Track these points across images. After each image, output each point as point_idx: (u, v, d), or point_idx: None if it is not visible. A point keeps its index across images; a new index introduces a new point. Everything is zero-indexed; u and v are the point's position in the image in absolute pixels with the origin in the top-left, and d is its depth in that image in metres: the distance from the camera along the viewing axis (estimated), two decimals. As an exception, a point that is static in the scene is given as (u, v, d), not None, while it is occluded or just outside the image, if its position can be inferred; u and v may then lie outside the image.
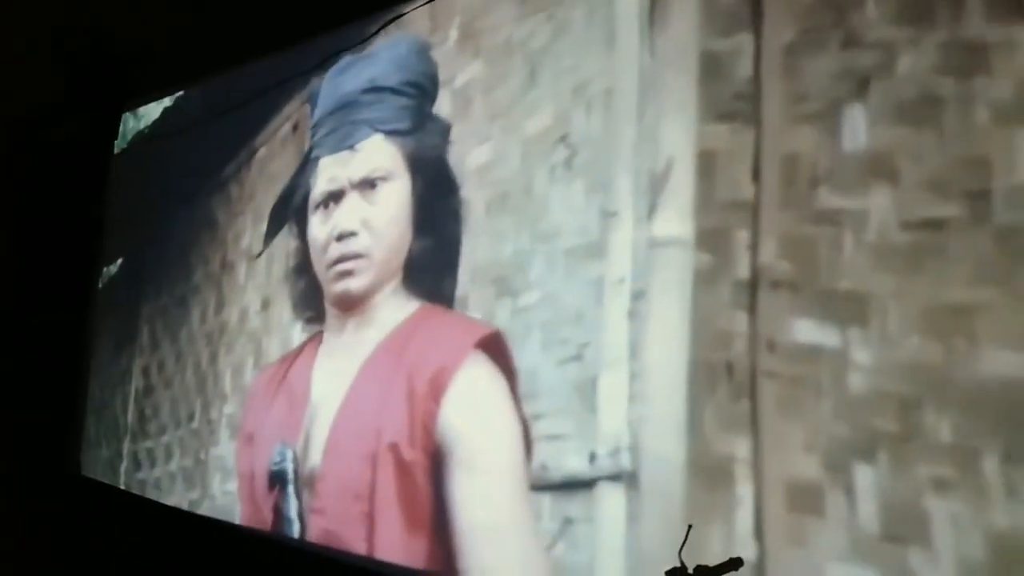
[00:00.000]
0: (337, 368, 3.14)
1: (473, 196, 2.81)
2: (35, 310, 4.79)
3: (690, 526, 1.54)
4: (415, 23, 3.14)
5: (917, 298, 1.78)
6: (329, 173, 3.24)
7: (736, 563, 1.46)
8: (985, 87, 1.74)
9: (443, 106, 2.98)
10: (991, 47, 1.74)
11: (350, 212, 3.12)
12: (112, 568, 4.16)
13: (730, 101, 2.15)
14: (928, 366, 1.73)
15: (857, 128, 1.92)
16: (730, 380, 2.06)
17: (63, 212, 4.92)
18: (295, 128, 3.66)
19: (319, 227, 3.25)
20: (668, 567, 1.43)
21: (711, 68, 2.21)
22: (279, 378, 3.46)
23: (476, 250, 2.77)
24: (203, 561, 3.67)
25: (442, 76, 3.00)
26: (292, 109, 3.72)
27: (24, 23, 4.54)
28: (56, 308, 4.90)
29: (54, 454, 4.88)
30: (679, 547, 1.46)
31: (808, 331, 1.94)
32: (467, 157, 2.85)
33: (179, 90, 4.68)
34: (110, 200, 5.18)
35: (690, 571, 1.43)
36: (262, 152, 3.93)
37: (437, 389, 2.69)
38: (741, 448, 2.02)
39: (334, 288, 3.15)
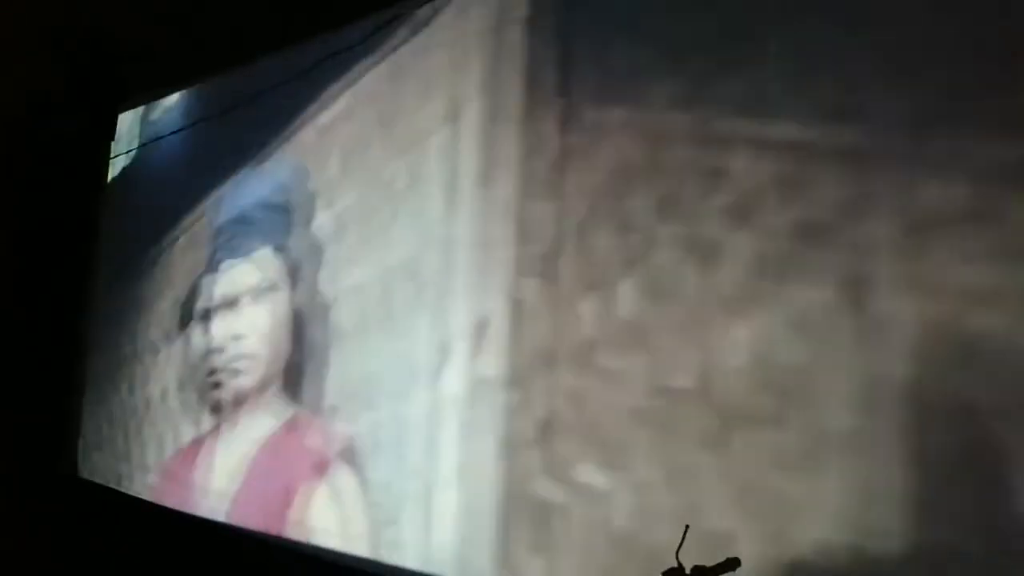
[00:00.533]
0: (229, 463, 3.44)
1: (343, 314, 3.12)
2: (32, 310, 4.75)
3: (687, 526, 1.53)
4: (303, 146, 3.46)
5: (660, 456, 2.09)
6: (225, 278, 3.56)
7: (733, 563, 1.46)
8: (717, 276, 2.06)
9: (323, 227, 3.29)
10: (723, 243, 2.06)
11: (234, 320, 3.44)
12: (109, 568, 4.17)
13: (538, 260, 2.47)
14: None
15: (626, 300, 2.23)
16: (529, 509, 2.37)
17: (60, 211, 4.88)
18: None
19: (209, 330, 3.57)
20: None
21: (526, 228, 2.53)
22: (189, 463, 3.75)
23: (344, 363, 3.08)
24: (199, 561, 3.69)
25: (322, 200, 3.31)
26: (204, 207, 4.02)
27: (22, 22, 4.53)
28: (53, 308, 4.86)
29: (50, 455, 4.82)
30: (676, 548, 1.47)
31: (586, 473, 2.25)
32: (339, 277, 3.16)
33: (175, 90, 4.65)
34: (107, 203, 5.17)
35: (687, 571, 1.44)
36: (181, 241, 4.23)
37: (302, 499, 3.00)
38: (537, 571, 2.32)
39: (219, 391, 3.47)
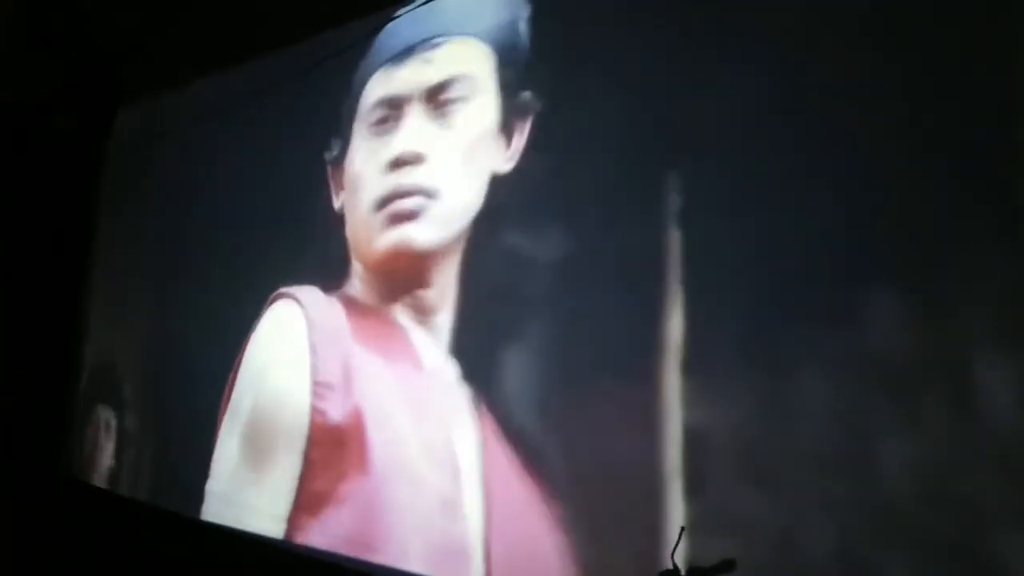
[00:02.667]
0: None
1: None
2: (29, 309, 4.73)
3: (683, 528, 1.55)
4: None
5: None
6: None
7: (730, 565, 1.44)
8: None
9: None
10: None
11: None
12: (106, 569, 4.09)
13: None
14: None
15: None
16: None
17: (58, 210, 4.87)
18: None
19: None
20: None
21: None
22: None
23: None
24: (193, 562, 3.62)
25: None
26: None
27: (19, 22, 4.50)
28: (49, 306, 4.84)
29: (44, 455, 4.76)
30: (671, 549, 1.47)
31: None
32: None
33: (174, 88, 4.53)
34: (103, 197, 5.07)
35: (683, 573, 1.44)
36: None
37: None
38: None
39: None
